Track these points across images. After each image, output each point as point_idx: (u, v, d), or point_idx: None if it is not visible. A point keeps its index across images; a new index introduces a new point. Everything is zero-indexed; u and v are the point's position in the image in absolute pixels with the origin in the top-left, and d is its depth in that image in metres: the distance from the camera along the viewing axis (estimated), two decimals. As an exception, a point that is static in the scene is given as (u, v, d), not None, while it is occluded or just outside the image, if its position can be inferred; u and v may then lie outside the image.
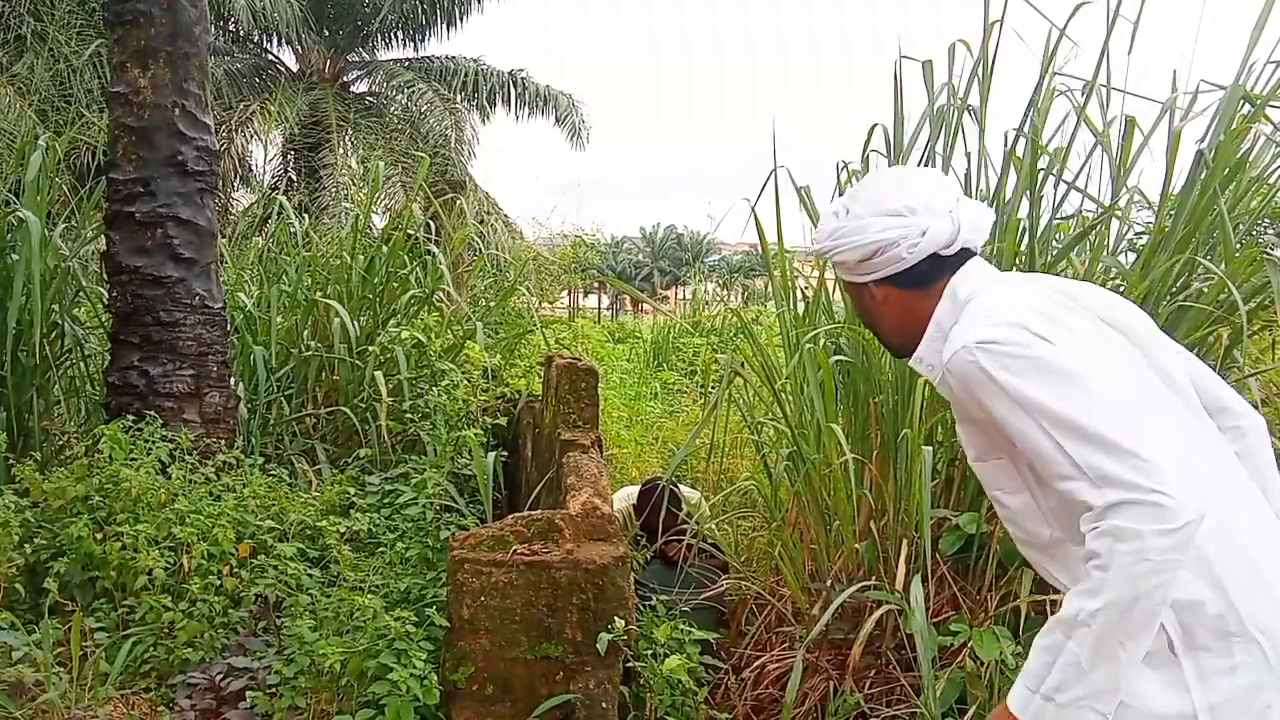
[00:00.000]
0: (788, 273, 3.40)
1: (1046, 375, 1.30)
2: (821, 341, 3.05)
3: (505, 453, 3.96)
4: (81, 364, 4.38)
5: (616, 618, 2.48)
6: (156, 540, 2.92)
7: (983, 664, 2.53)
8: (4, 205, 4.02)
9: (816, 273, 3.52)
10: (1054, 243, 3.02)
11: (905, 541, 2.76)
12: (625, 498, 3.79)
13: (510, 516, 2.69)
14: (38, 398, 3.88)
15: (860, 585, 2.74)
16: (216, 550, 2.98)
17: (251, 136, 14.76)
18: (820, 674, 2.87)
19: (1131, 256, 3.06)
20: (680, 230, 56.67)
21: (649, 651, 2.66)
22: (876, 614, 2.66)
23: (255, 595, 2.96)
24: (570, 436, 3.39)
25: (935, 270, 1.49)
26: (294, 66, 17.93)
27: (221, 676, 2.64)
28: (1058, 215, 3.07)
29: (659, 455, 5.84)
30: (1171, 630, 1.29)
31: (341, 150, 15.42)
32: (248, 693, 2.54)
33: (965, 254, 1.51)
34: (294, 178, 15.33)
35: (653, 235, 57.28)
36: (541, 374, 4.25)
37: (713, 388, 4.80)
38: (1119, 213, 2.95)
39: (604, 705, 2.52)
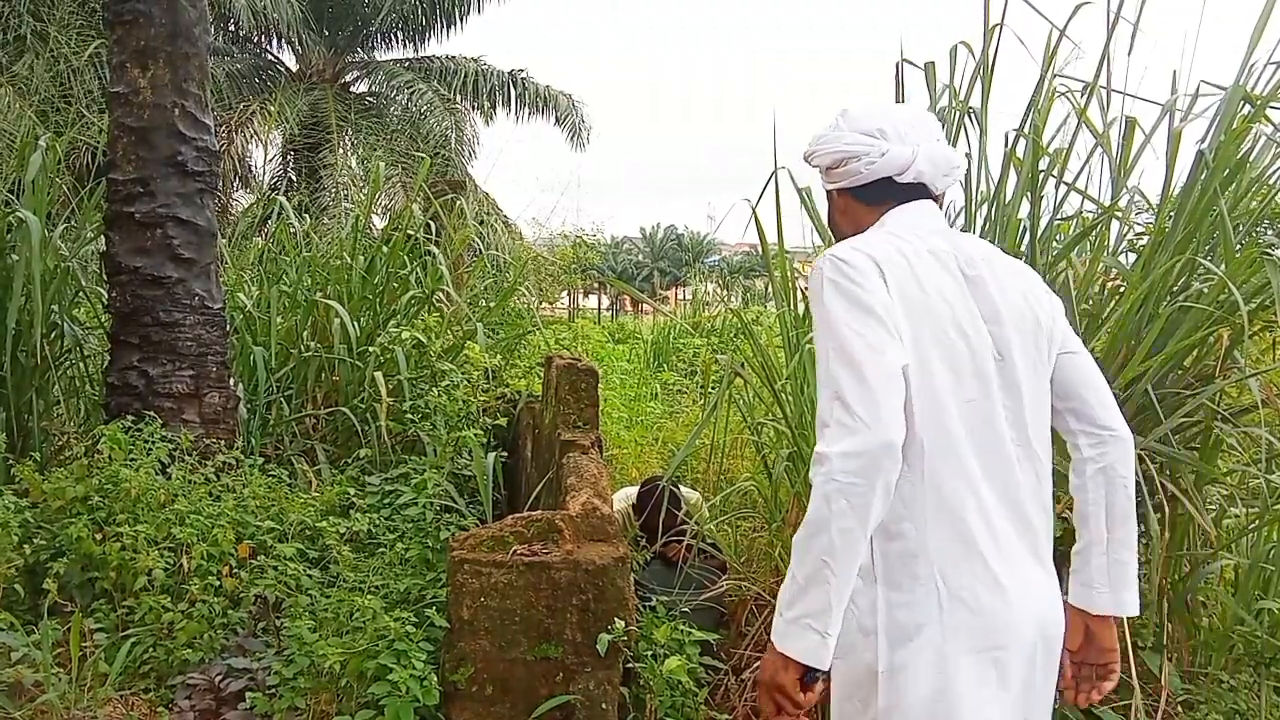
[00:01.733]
0: (788, 273, 3.40)
1: (856, 305, 1.45)
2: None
3: (505, 453, 3.96)
4: (81, 364, 4.38)
5: (616, 619, 2.47)
6: (156, 541, 2.92)
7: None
8: (4, 205, 4.02)
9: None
10: (1054, 243, 3.02)
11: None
12: (625, 498, 3.78)
13: (510, 517, 2.68)
14: (37, 398, 3.87)
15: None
16: (216, 551, 2.98)
17: (251, 137, 14.75)
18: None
19: (1132, 257, 3.06)
20: (680, 231, 56.65)
21: (649, 652, 2.66)
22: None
23: (255, 596, 2.96)
24: (570, 437, 3.39)
25: (885, 193, 1.63)
26: (294, 67, 17.92)
27: (221, 677, 2.64)
28: (1058, 216, 3.07)
29: (659, 456, 5.84)
30: (874, 554, 1.47)
31: (341, 151, 15.42)
32: (247, 693, 2.54)
33: (920, 190, 1.64)
34: (294, 178, 15.33)
35: (653, 236, 57.26)
36: (541, 374, 4.24)
37: (713, 388, 4.80)
38: (1119, 213, 2.95)
39: (604, 706, 2.52)
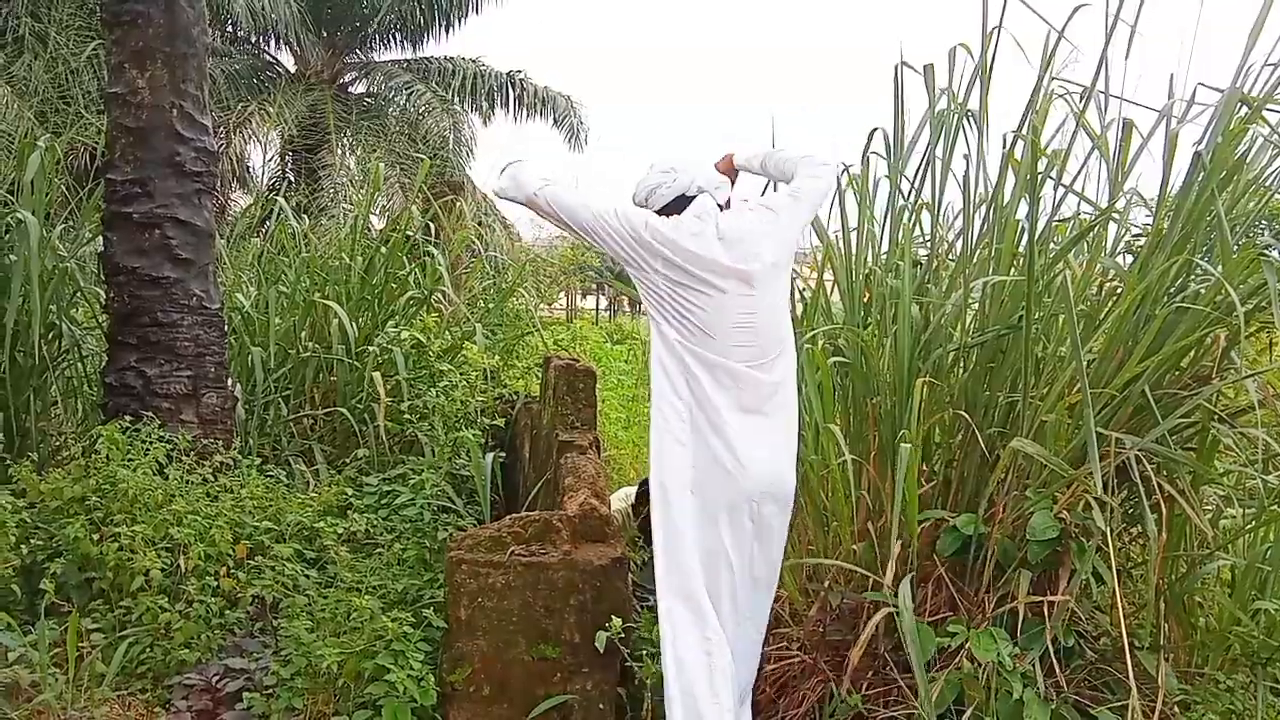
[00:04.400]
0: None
1: (627, 212, 2.53)
2: (820, 343, 3.05)
3: (503, 454, 3.96)
4: (79, 365, 4.37)
5: (614, 618, 2.48)
6: (153, 541, 2.92)
7: (980, 665, 2.53)
8: (3, 206, 4.01)
9: (815, 274, 3.53)
10: (1052, 245, 3.02)
11: (900, 543, 2.76)
12: (623, 498, 3.78)
13: (508, 517, 2.69)
14: (35, 398, 3.87)
15: (853, 587, 2.74)
16: (213, 551, 2.97)
17: (249, 137, 14.74)
18: (818, 675, 2.87)
19: (1129, 259, 3.06)
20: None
21: (646, 652, 2.66)
22: (877, 616, 2.66)
23: (252, 596, 2.95)
24: (568, 437, 3.39)
25: (682, 205, 2.58)
26: (292, 68, 17.92)
27: (218, 678, 2.64)
28: (1056, 217, 3.08)
29: (657, 457, 5.79)
30: (663, 396, 2.45)
31: (340, 151, 15.42)
32: (244, 694, 2.54)
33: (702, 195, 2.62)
34: (292, 179, 15.31)
35: (651, 237, 57.08)
36: (539, 375, 4.25)
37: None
38: (1116, 215, 2.95)
39: (601, 706, 2.52)
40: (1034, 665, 2.52)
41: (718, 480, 2.42)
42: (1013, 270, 2.91)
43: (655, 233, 2.43)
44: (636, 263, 2.46)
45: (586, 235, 2.47)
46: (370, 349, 4.38)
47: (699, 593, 2.37)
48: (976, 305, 3.05)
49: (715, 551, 2.42)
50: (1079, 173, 3.05)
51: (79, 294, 4.42)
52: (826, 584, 2.99)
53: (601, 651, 2.48)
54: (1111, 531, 2.47)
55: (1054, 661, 2.54)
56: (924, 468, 2.90)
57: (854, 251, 3.31)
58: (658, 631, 2.61)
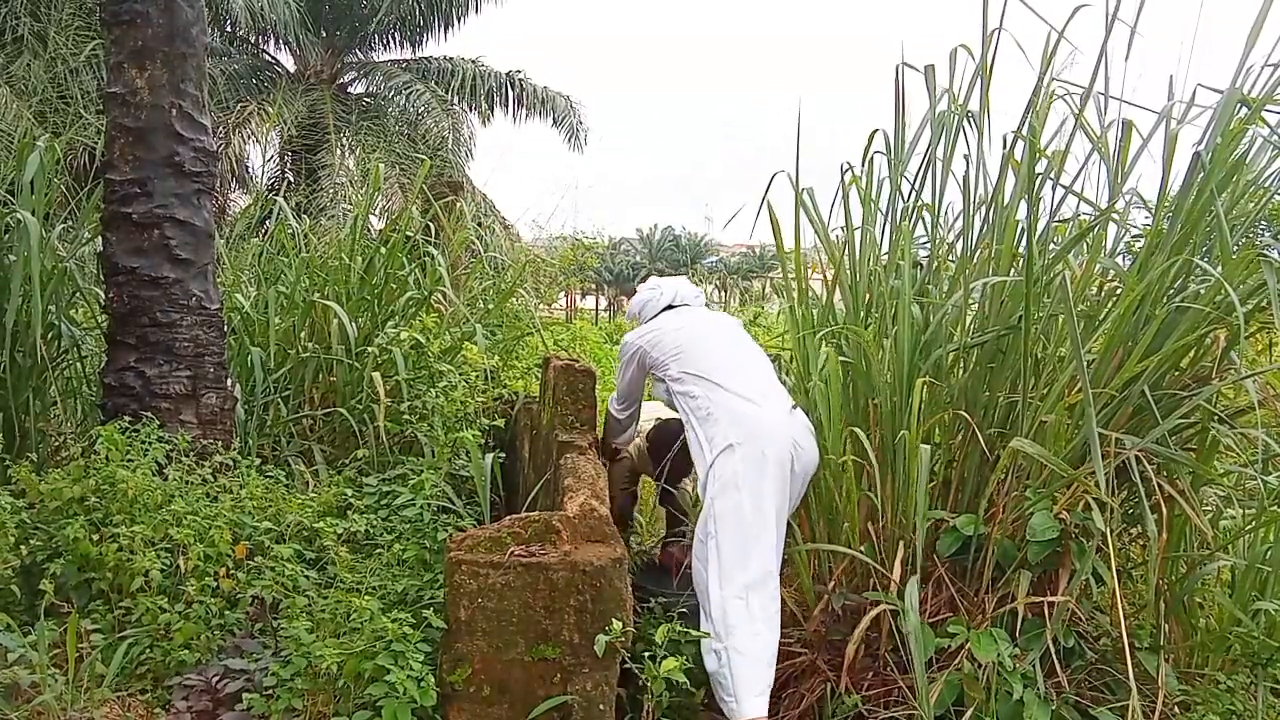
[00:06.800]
0: (803, 270, 3.41)
1: (622, 359, 3.49)
2: (823, 345, 3.06)
3: (503, 454, 3.96)
4: (78, 365, 4.36)
5: (614, 619, 2.48)
6: (153, 541, 2.91)
7: (980, 665, 2.53)
8: (2, 206, 4.01)
9: (820, 273, 3.54)
10: (1052, 245, 3.03)
11: (903, 544, 2.76)
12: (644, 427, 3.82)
13: (508, 518, 2.68)
14: (34, 398, 3.87)
15: (854, 587, 2.74)
16: (213, 552, 2.97)
17: (249, 138, 14.73)
18: (819, 675, 2.87)
19: (1129, 259, 3.06)
20: (678, 232, 56.57)
21: (647, 653, 2.66)
22: (871, 614, 2.66)
23: (252, 597, 2.95)
24: (568, 438, 3.39)
25: (668, 310, 3.52)
26: (291, 68, 17.92)
27: (218, 678, 2.63)
28: (1055, 218, 3.08)
29: (657, 457, 5.79)
30: (695, 419, 3.03)
31: (339, 151, 15.41)
32: (244, 695, 2.54)
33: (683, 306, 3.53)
34: (291, 179, 15.30)
35: (650, 237, 57.17)
36: (539, 375, 4.24)
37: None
38: (1116, 215, 2.95)
39: (601, 707, 2.52)
40: (1034, 666, 2.52)
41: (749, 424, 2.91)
42: (1013, 271, 2.91)
43: (647, 342, 3.35)
44: (648, 362, 3.34)
45: (628, 375, 3.46)
46: (370, 349, 4.38)
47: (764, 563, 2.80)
48: (976, 306, 3.05)
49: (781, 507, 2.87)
50: (1079, 173, 3.06)
51: (78, 294, 4.41)
52: (831, 585, 2.99)
53: (601, 654, 2.48)
54: (1111, 532, 2.48)
55: (1054, 662, 2.55)
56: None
57: (857, 251, 3.32)
58: (660, 631, 2.61)
